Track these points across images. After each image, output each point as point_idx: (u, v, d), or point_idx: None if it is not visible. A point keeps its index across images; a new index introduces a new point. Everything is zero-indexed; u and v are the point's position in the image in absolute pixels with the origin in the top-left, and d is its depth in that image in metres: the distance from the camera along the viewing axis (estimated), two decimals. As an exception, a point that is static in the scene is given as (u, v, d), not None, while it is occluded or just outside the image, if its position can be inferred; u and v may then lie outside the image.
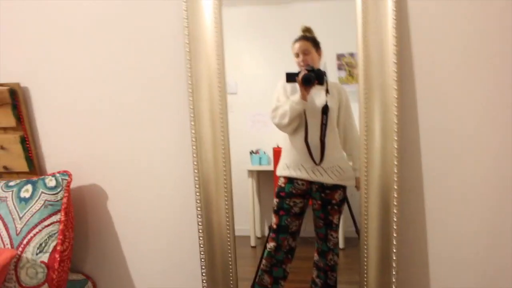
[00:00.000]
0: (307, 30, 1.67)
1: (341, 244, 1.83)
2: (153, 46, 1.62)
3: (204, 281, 1.60)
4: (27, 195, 1.53)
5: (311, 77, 1.57)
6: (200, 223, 1.57)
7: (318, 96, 1.63)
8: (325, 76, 1.61)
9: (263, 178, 1.93)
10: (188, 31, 1.50)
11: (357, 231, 1.73)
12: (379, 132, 1.46)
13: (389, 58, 1.42)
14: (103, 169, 1.72)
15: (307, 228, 1.77)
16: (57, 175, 1.57)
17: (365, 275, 1.54)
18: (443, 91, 1.49)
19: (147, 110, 1.67)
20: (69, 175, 1.58)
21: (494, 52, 1.45)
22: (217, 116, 1.53)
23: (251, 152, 1.89)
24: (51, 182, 1.55)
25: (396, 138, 1.44)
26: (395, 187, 1.45)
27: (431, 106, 1.51)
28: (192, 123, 1.53)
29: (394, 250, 1.47)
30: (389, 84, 1.43)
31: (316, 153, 1.64)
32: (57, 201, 1.54)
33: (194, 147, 1.54)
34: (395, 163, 1.44)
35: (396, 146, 1.44)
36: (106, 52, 1.66)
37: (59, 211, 1.53)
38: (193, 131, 1.53)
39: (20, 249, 1.47)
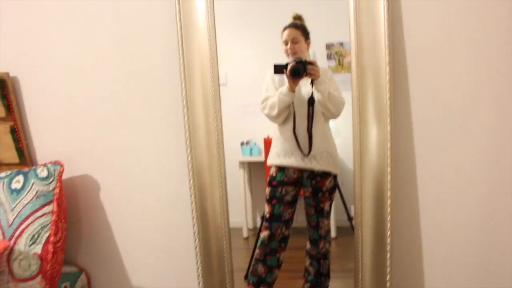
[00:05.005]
0: (298, 17, 1.68)
1: (333, 233, 1.84)
2: (145, 34, 1.62)
3: (200, 270, 1.59)
4: (18, 186, 1.51)
5: (300, 69, 1.56)
6: (194, 211, 1.56)
7: (304, 86, 1.64)
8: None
9: (255, 169, 1.93)
10: (181, 17, 1.50)
11: (349, 218, 1.75)
12: (372, 116, 1.48)
13: (381, 41, 1.44)
14: (95, 159, 1.71)
15: (299, 217, 1.77)
16: (49, 165, 1.55)
17: (360, 257, 1.54)
18: (436, 74, 1.51)
19: (139, 99, 1.65)
20: (61, 165, 1.57)
21: (487, 35, 1.47)
22: (210, 102, 1.53)
23: (242, 143, 1.89)
24: (43, 173, 1.53)
25: (389, 122, 1.45)
26: (389, 170, 1.47)
27: (424, 90, 1.52)
28: (185, 109, 1.52)
29: (389, 232, 1.49)
30: (381, 68, 1.45)
31: (304, 144, 1.65)
32: (49, 191, 1.52)
33: (187, 134, 1.53)
34: (388, 146, 1.46)
35: (389, 130, 1.45)
36: (98, 41, 1.65)
37: (51, 201, 1.52)
38: (186, 118, 1.53)
39: (13, 241, 1.45)
